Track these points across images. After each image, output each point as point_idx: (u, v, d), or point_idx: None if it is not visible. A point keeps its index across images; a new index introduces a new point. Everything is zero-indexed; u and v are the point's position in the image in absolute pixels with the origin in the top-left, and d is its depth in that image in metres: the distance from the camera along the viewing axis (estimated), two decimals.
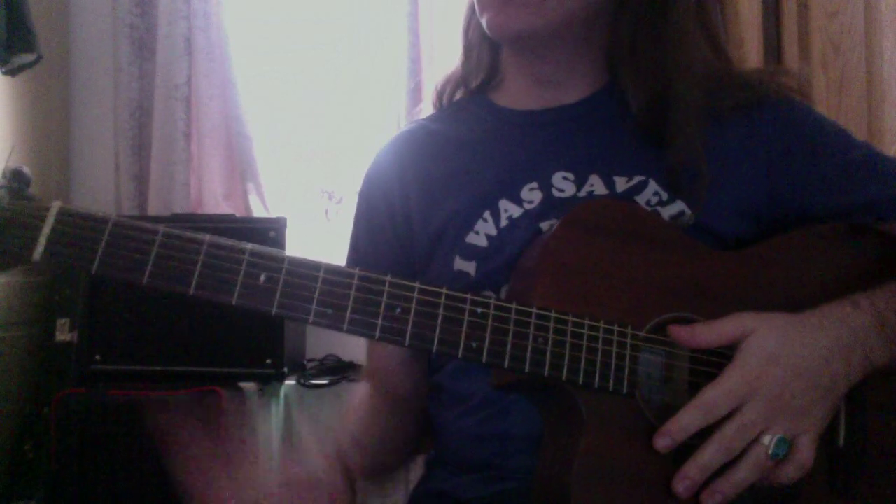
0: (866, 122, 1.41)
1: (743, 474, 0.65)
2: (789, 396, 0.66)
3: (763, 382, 0.65)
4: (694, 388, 0.68)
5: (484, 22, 0.83)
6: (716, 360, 0.70)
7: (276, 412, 1.90)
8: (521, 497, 0.78)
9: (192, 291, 0.63)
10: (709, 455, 0.65)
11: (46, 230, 0.61)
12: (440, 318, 0.65)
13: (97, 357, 1.86)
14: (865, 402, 0.73)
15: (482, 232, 0.84)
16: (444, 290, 0.66)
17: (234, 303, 0.63)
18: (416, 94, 2.08)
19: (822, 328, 0.69)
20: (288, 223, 1.97)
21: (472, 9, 0.95)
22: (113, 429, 1.78)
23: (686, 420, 0.65)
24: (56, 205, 0.62)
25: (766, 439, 0.65)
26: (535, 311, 0.67)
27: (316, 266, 0.65)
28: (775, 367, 0.66)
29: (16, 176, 0.62)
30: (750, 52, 1.66)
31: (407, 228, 0.91)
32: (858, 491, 0.73)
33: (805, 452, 0.66)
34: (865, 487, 0.73)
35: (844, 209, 0.81)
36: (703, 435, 0.65)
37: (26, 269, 0.63)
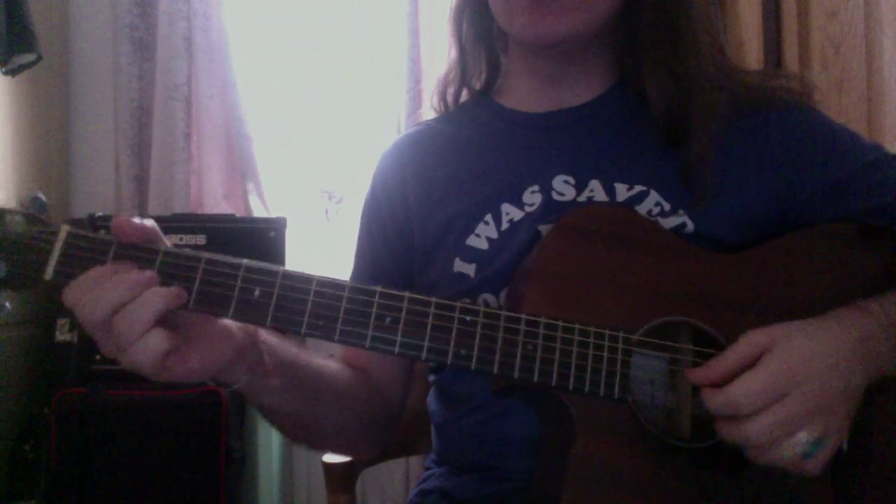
0: (866, 122, 1.41)
1: (770, 457, 0.64)
2: (826, 395, 0.64)
3: (803, 377, 0.63)
4: (697, 393, 0.68)
5: (514, 27, 0.82)
6: None
7: None
8: (520, 497, 0.78)
9: (190, 307, 0.65)
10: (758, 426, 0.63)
11: (56, 252, 0.65)
12: (429, 326, 0.67)
13: (97, 357, 1.86)
14: (871, 407, 0.72)
15: (483, 234, 0.84)
16: (433, 300, 0.67)
17: (229, 317, 0.66)
18: (416, 95, 2.08)
19: (835, 333, 0.67)
20: (288, 223, 1.97)
21: (460, 10, 0.95)
22: (113, 429, 1.78)
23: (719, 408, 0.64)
24: (64, 228, 0.65)
25: (803, 436, 0.63)
26: (524, 317, 0.68)
27: (308, 279, 0.66)
28: (812, 364, 0.64)
29: (33, 203, 0.65)
30: (750, 52, 1.66)
31: (408, 229, 0.91)
32: (863, 498, 0.72)
33: (826, 455, 0.65)
34: (870, 494, 0.72)
35: (858, 214, 0.79)
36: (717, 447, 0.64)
37: None
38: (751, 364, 0.65)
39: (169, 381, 0.65)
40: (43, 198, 0.68)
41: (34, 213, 0.66)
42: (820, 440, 0.63)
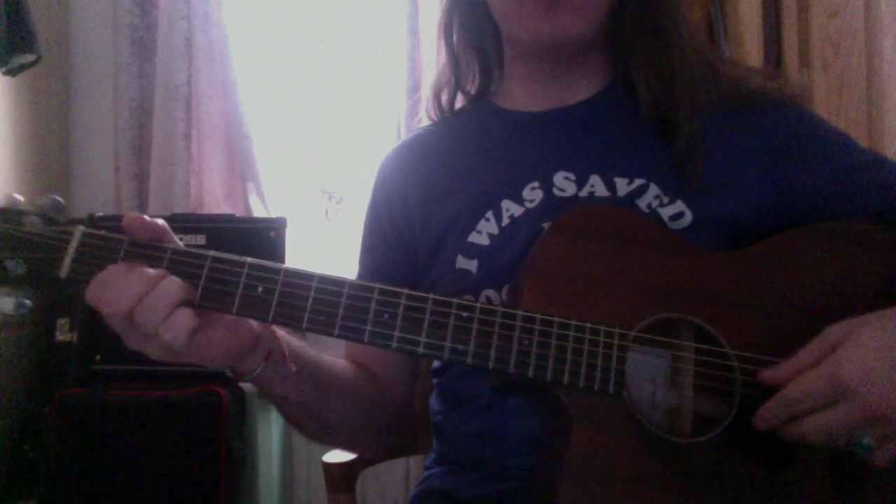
0: (866, 122, 1.41)
1: (815, 438, 0.64)
2: (891, 396, 0.63)
3: (868, 376, 0.62)
4: (699, 389, 0.68)
5: (524, 29, 0.82)
6: (721, 363, 0.70)
7: (276, 412, 1.90)
8: (520, 497, 0.79)
9: (196, 302, 0.68)
10: (810, 429, 0.64)
11: (71, 251, 0.68)
12: (426, 322, 0.68)
13: (97, 357, 1.86)
14: None
15: (484, 231, 0.85)
16: (430, 296, 0.69)
17: (233, 312, 0.68)
18: (415, 94, 2.08)
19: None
20: (288, 223, 1.97)
21: (449, 17, 0.96)
22: (113, 429, 1.78)
23: (775, 411, 0.65)
24: (80, 229, 0.69)
25: (863, 439, 0.64)
26: (520, 313, 0.69)
27: (309, 277, 0.69)
28: (881, 360, 0.63)
29: (53, 205, 0.71)
30: (750, 52, 1.66)
31: (409, 233, 0.91)
32: (864, 494, 0.71)
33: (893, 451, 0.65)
34: (872, 491, 0.71)
35: (853, 213, 0.79)
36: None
37: None
38: (820, 362, 0.65)
39: (195, 362, 0.68)
40: (61, 200, 0.71)
41: (53, 214, 0.70)
42: (882, 442, 0.64)
